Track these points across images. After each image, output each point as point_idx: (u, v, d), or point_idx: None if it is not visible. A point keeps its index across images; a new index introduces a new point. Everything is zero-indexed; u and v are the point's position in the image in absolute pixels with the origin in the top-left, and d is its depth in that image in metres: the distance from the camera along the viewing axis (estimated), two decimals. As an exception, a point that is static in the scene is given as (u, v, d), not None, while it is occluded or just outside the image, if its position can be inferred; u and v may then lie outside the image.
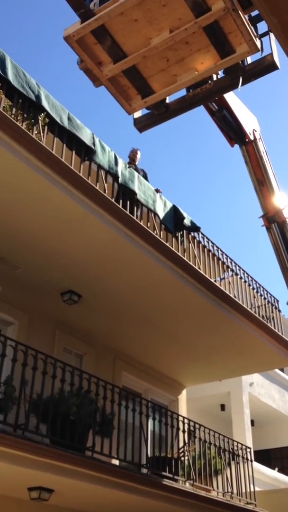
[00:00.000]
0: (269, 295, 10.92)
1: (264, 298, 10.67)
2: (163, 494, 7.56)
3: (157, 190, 8.37)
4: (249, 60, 4.88)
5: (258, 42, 4.26)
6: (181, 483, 8.23)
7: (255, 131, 7.61)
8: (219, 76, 4.88)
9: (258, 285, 10.61)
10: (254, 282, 10.49)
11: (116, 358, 9.72)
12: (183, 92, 4.97)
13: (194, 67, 4.44)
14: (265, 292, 10.82)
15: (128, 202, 7.43)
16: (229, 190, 32.91)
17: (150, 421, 8.63)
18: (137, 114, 5.17)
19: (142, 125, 5.19)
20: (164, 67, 4.48)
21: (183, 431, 8.71)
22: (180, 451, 8.53)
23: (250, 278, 10.38)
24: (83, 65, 4.66)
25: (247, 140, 7.51)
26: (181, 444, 8.72)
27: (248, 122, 7.48)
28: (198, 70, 4.45)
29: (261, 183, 7.85)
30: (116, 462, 7.64)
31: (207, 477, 8.95)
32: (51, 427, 6.50)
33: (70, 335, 8.85)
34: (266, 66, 4.83)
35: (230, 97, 6.90)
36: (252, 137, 7.51)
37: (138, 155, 9.37)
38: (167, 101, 4.99)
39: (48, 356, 6.73)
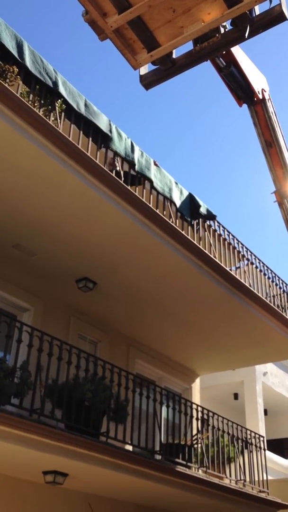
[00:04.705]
0: (284, 284, 10.86)
1: (280, 288, 10.62)
2: (176, 480, 7.61)
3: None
4: (258, 12, 4.80)
5: None
6: (194, 470, 8.28)
7: (264, 90, 7.51)
8: (226, 30, 4.80)
9: (273, 275, 10.55)
10: (269, 271, 10.43)
11: (130, 346, 9.77)
12: (190, 47, 4.89)
13: (200, 18, 4.33)
14: (281, 281, 10.76)
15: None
16: (247, 178, 32.67)
17: (164, 408, 8.68)
18: (143, 71, 5.11)
19: (148, 81, 5.11)
20: (170, 18, 4.37)
21: (197, 419, 8.75)
22: (194, 438, 8.57)
23: (265, 268, 10.32)
24: (88, 17, 4.59)
25: (255, 99, 7.41)
26: (194, 432, 8.75)
27: (257, 80, 7.38)
28: (205, 21, 4.34)
29: (270, 144, 7.79)
30: (130, 448, 7.70)
31: (220, 464, 8.99)
32: (66, 412, 6.56)
33: (85, 322, 8.90)
34: (274, 17, 4.68)
35: (239, 55, 6.81)
36: (261, 96, 7.41)
37: None
38: (174, 56, 4.89)
39: (63, 342, 6.78)
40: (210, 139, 30.66)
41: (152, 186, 7.70)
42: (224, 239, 9.26)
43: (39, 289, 8.09)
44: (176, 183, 8.32)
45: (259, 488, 9.67)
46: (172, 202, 8.03)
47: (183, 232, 7.63)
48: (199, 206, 8.53)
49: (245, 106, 7.63)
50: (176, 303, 8.66)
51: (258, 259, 10.12)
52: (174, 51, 4.83)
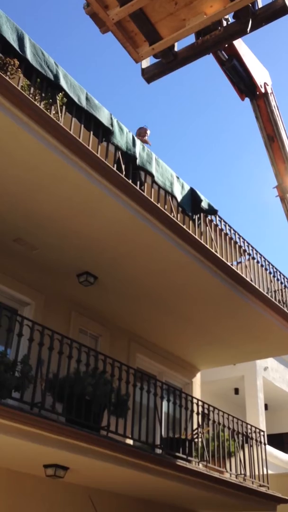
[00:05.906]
0: (286, 279, 10.85)
1: (281, 283, 10.60)
2: (176, 474, 7.62)
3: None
4: (260, 4, 4.78)
5: None
6: (194, 464, 8.29)
7: (267, 84, 7.47)
8: (229, 23, 4.77)
9: (275, 269, 10.53)
10: (271, 266, 10.41)
11: (131, 340, 9.77)
12: (192, 40, 4.86)
13: (203, 10, 4.33)
14: (282, 276, 10.75)
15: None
16: (249, 173, 32.63)
17: (165, 403, 8.68)
18: (145, 64, 5.08)
19: (150, 75, 5.08)
20: (172, 10, 4.36)
21: (197, 413, 8.76)
22: (194, 433, 8.58)
23: (267, 262, 10.30)
24: (89, 10, 4.56)
25: (258, 93, 7.38)
26: (194, 426, 8.76)
27: (260, 74, 7.34)
28: (207, 13, 4.34)
29: (272, 138, 7.78)
30: (130, 442, 7.72)
31: (220, 459, 9.00)
32: (67, 406, 6.57)
33: (86, 316, 8.90)
34: (277, 10, 4.65)
35: (242, 48, 6.78)
36: (263, 90, 7.38)
37: (148, 132, 9.48)
38: (176, 49, 4.86)
39: (64, 337, 6.78)
40: (212, 134, 30.60)
41: (154, 180, 7.67)
42: (226, 234, 9.25)
43: (40, 283, 8.09)
44: (178, 178, 8.30)
45: (259, 482, 9.69)
46: (173, 197, 8.01)
47: (184, 227, 7.62)
48: (200, 200, 8.51)
49: (247, 100, 7.60)
50: (177, 298, 8.66)
51: (260, 254, 10.11)
52: (176, 44, 4.80)
